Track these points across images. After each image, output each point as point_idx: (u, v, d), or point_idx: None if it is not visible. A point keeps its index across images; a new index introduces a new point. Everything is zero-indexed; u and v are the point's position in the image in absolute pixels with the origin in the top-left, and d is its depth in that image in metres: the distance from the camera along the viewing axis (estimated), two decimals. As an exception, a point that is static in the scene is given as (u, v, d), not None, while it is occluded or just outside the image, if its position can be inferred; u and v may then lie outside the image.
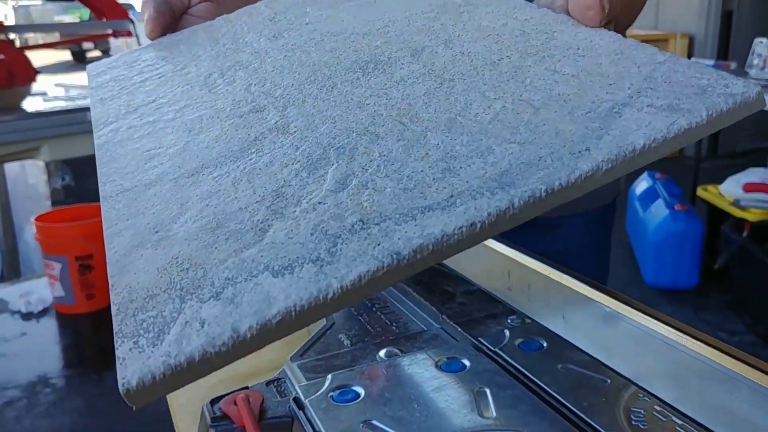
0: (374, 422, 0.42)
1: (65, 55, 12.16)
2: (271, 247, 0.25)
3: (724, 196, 2.40)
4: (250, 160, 0.31)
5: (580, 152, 0.25)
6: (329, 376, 0.48)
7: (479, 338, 0.48)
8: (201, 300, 0.23)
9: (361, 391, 0.46)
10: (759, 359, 0.32)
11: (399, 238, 0.23)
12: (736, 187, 2.37)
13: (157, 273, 0.25)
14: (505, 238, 0.54)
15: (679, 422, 0.36)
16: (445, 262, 0.53)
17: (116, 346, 0.23)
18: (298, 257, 0.24)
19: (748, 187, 2.32)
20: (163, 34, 0.51)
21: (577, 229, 0.77)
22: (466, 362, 0.46)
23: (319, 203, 0.27)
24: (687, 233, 2.38)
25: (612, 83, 0.28)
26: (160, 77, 0.43)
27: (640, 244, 2.62)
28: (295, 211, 0.27)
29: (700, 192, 2.57)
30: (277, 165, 0.30)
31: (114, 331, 0.23)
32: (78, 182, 3.87)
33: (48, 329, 2.52)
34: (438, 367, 0.46)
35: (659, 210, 2.50)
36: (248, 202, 0.28)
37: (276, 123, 0.34)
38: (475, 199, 0.24)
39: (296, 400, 0.47)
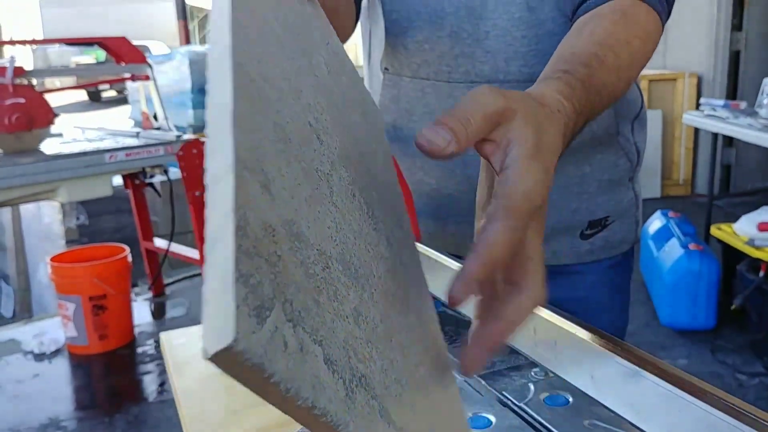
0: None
1: (81, 95, 12.39)
2: (322, 321, 0.25)
3: (738, 235, 2.38)
4: (313, 189, 0.30)
5: None
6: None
7: (503, 392, 0.48)
8: (285, 313, 0.22)
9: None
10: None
11: (372, 418, 0.26)
12: (751, 226, 2.35)
13: (261, 229, 0.23)
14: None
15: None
16: (466, 313, 0.53)
17: (233, 272, 0.20)
18: (337, 361, 0.25)
19: (763, 227, 2.31)
20: None
21: (597, 277, 0.77)
22: (492, 418, 0.46)
23: (347, 318, 0.28)
24: (702, 273, 2.36)
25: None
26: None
27: (655, 284, 2.60)
28: (334, 301, 0.27)
29: (714, 231, 2.55)
30: (326, 224, 0.30)
31: (234, 245, 0.20)
32: (92, 221, 3.91)
33: (60, 370, 2.51)
34: (464, 424, 0.46)
35: (673, 249, 2.48)
36: (314, 242, 0.27)
37: (328, 173, 0.33)
38: None
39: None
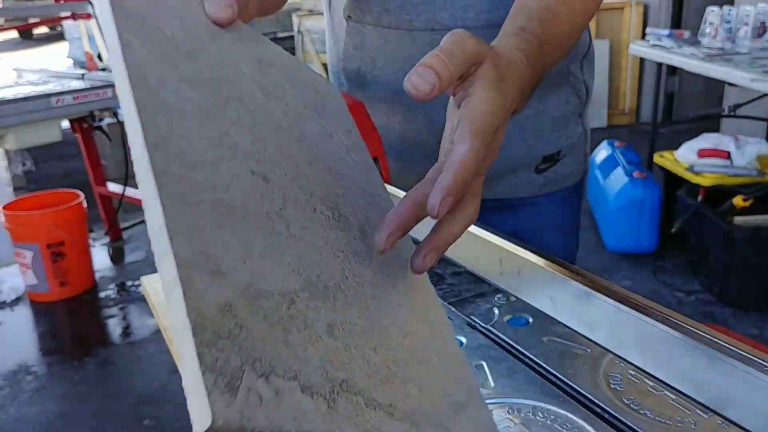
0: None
1: (10, 33, 11.64)
2: (294, 356, 0.27)
3: (679, 162, 2.50)
4: (266, 238, 0.31)
5: (446, 429, 0.33)
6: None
7: (471, 316, 0.54)
8: (255, 371, 0.24)
9: None
10: (711, 324, 0.38)
11: (368, 419, 0.29)
12: (691, 153, 2.48)
13: (219, 312, 0.25)
14: (487, 217, 0.59)
15: (650, 383, 0.42)
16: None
17: (201, 369, 0.22)
18: (313, 386, 0.27)
19: (702, 153, 2.43)
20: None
21: (552, 208, 0.83)
22: (463, 339, 0.51)
23: (320, 338, 0.30)
24: (645, 200, 2.49)
25: (457, 381, 0.37)
26: (172, 36, 0.37)
27: (601, 211, 2.73)
28: (304, 330, 0.29)
29: (657, 159, 2.67)
30: (286, 264, 0.31)
31: (195, 343, 0.23)
32: (39, 168, 3.79)
33: (23, 317, 2.51)
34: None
35: (618, 178, 2.60)
36: (273, 289, 0.29)
37: (280, 211, 0.34)
38: (402, 422, 0.31)
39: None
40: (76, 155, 3.10)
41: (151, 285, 0.81)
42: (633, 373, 0.44)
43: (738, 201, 2.10)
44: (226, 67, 0.40)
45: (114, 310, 2.45)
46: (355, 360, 0.31)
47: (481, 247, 0.50)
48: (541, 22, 0.51)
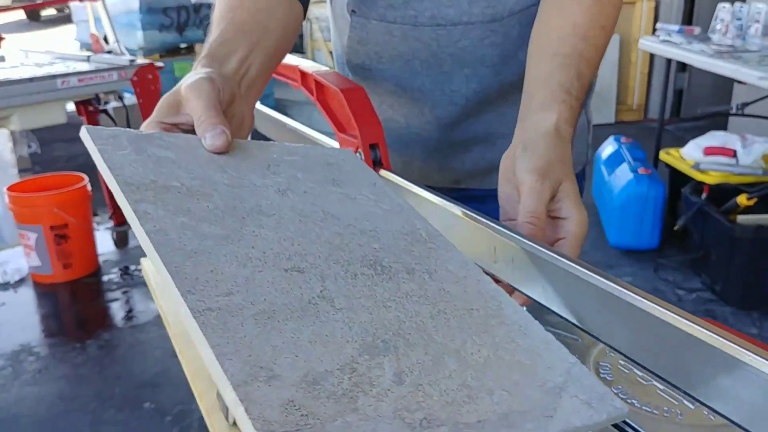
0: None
1: (18, 14, 11.64)
2: (366, 418, 0.30)
3: (685, 159, 2.50)
4: (313, 323, 0.35)
5: (547, 417, 0.34)
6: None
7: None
8: None
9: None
10: (707, 319, 0.38)
11: None
12: (697, 150, 2.47)
13: (282, 412, 0.29)
14: (487, 207, 0.59)
15: (640, 374, 0.42)
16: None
17: None
18: None
19: (708, 151, 2.42)
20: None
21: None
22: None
23: (389, 390, 0.32)
24: (649, 196, 2.48)
25: (549, 367, 0.38)
26: (181, 186, 0.43)
27: (605, 207, 2.72)
28: (371, 390, 0.32)
29: (662, 156, 2.66)
30: (339, 338, 0.35)
31: None
32: (44, 150, 3.80)
33: (26, 299, 2.53)
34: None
35: (623, 174, 2.59)
36: (331, 367, 0.32)
37: (321, 293, 0.38)
38: (497, 429, 0.32)
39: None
40: (78, 138, 3.10)
41: (150, 267, 0.82)
42: (623, 363, 0.44)
43: (742, 200, 2.09)
44: (238, 189, 0.45)
45: (117, 294, 2.47)
46: (430, 396, 0.33)
47: (475, 235, 0.50)
48: (579, 77, 0.59)
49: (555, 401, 0.35)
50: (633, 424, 0.40)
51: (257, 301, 0.35)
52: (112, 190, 0.42)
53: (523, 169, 0.52)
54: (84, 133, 0.46)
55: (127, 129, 0.47)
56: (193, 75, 0.53)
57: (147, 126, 0.52)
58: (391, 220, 0.49)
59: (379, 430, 0.30)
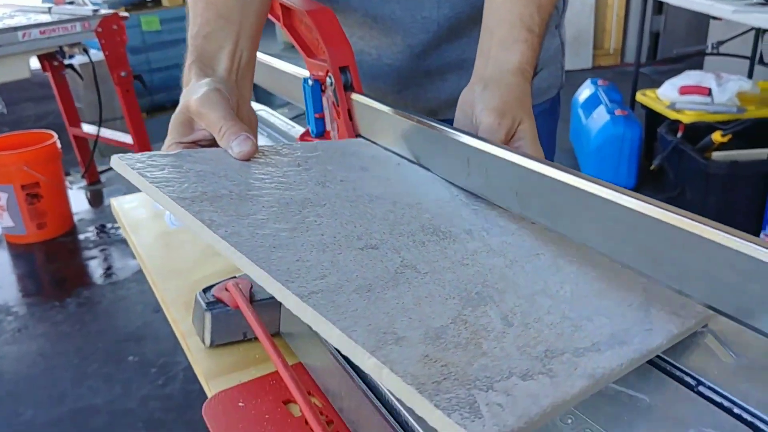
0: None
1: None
2: (497, 358, 0.32)
3: (661, 99, 2.50)
4: (408, 289, 0.37)
5: (647, 330, 0.37)
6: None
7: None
8: (480, 389, 0.29)
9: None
10: (669, 205, 0.38)
11: (586, 366, 0.33)
12: (673, 90, 2.47)
13: (423, 366, 0.30)
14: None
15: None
16: (406, 154, 0.58)
17: (446, 414, 0.27)
18: (528, 370, 0.32)
19: (684, 90, 2.42)
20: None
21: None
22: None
23: (503, 333, 0.34)
24: (626, 137, 2.49)
25: (627, 289, 0.40)
26: (230, 193, 0.44)
27: (583, 150, 2.73)
28: (489, 335, 0.34)
29: (639, 97, 2.66)
30: (438, 297, 0.36)
31: (433, 403, 0.28)
32: (11, 110, 3.69)
33: (1, 260, 2.48)
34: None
35: (600, 116, 2.59)
36: (444, 322, 0.34)
37: (402, 262, 0.39)
38: (612, 348, 0.34)
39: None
40: (49, 98, 3.01)
41: (121, 206, 0.80)
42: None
43: (716, 136, 2.10)
44: (281, 188, 0.46)
45: (94, 252, 2.44)
46: (540, 331, 0.35)
47: (448, 149, 0.49)
48: (540, 6, 0.57)
49: (647, 316, 0.38)
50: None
51: (351, 278, 0.36)
52: (167, 207, 0.42)
53: (481, 108, 0.53)
54: (117, 162, 0.46)
55: (155, 152, 0.48)
56: (197, 89, 0.53)
57: (168, 149, 0.53)
58: (428, 191, 0.51)
59: (513, 366, 0.31)
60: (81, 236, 2.54)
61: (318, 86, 0.68)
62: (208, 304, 0.50)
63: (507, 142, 0.52)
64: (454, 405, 0.28)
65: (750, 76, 2.73)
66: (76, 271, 2.35)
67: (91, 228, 2.59)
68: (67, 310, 2.08)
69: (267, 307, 0.51)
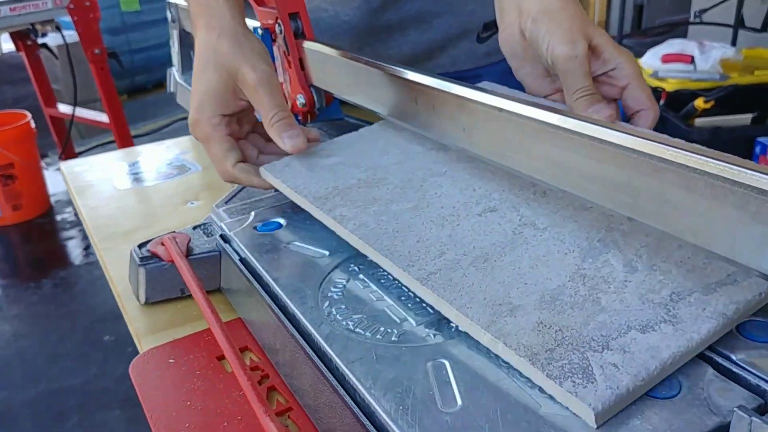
0: (296, 243, 0.45)
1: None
2: (616, 313, 0.31)
3: (644, 68, 2.46)
4: (526, 250, 0.36)
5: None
6: (252, 213, 0.50)
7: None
8: (595, 350, 0.29)
9: (282, 221, 0.48)
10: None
11: (717, 303, 0.31)
12: (655, 59, 2.43)
13: (537, 334, 0.30)
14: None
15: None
16: (352, 101, 0.55)
17: (558, 383, 0.28)
18: (648, 320, 0.31)
19: (666, 59, 2.39)
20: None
21: (495, 78, 0.79)
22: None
23: (626, 281, 0.33)
24: (609, 107, 2.45)
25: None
26: (359, 181, 0.47)
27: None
28: (609, 287, 0.33)
29: (622, 67, 2.62)
30: (556, 253, 0.36)
31: (545, 374, 0.28)
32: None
33: (-24, 242, 2.42)
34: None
35: (584, 86, 2.55)
36: (561, 282, 0.34)
37: (520, 221, 0.39)
38: (742, 280, 0.33)
39: (222, 236, 0.49)
40: (27, 80, 2.94)
41: (70, 169, 0.77)
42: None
43: (699, 103, 2.08)
44: (403, 164, 0.48)
45: (72, 233, 2.40)
46: (668, 271, 0.34)
47: (396, 88, 0.46)
48: None
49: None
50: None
51: (468, 251, 0.37)
52: (309, 210, 0.46)
53: (548, 46, 0.47)
54: (263, 172, 0.51)
55: (292, 156, 0.51)
56: (248, 56, 0.51)
57: (210, 120, 0.51)
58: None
59: (632, 319, 0.31)
60: (58, 217, 2.49)
61: (268, 35, 0.64)
62: (141, 259, 0.47)
63: (592, 69, 0.47)
64: (567, 372, 0.28)
65: (734, 44, 2.70)
66: (53, 252, 2.31)
67: (69, 209, 2.54)
68: (42, 291, 2.04)
69: (205, 261, 0.48)
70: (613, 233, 0.37)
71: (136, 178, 0.74)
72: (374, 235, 0.40)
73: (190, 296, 0.49)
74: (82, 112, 2.63)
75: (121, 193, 0.69)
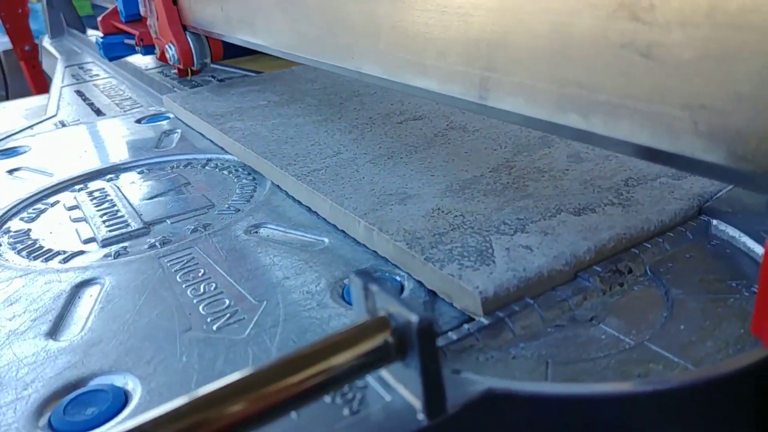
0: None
1: None
2: (545, 198, 0.27)
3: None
4: (446, 148, 0.32)
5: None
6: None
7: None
8: (505, 233, 0.25)
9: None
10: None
11: (689, 187, 0.27)
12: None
13: (427, 220, 0.27)
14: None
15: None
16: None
17: (438, 267, 0.23)
18: (589, 203, 0.26)
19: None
20: None
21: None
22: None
23: (567, 170, 0.28)
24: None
25: None
26: (269, 102, 0.45)
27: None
28: (543, 176, 0.28)
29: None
30: (483, 149, 0.31)
31: (423, 258, 0.24)
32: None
33: None
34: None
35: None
36: (481, 172, 0.29)
37: (447, 125, 0.35)
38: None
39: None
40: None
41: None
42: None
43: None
44: (330, 88, 0.47)
45: None
46: (629, 159, 0.30)
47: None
48: None
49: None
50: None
51: (372, 150, 0.34)
52: (200, 129, 0.44)
53: None
54: (166, 100, 0.50)
55: (205, 86, 0.51)
56: None
57: None
58: None
59: (566, 203, 0.27)
60: None
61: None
62: None
63: None
64: (454, 256, 0.24)
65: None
66: None
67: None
68: None
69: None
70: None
71: None
72: (262, 141, 0.37)
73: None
74: None
75: None
